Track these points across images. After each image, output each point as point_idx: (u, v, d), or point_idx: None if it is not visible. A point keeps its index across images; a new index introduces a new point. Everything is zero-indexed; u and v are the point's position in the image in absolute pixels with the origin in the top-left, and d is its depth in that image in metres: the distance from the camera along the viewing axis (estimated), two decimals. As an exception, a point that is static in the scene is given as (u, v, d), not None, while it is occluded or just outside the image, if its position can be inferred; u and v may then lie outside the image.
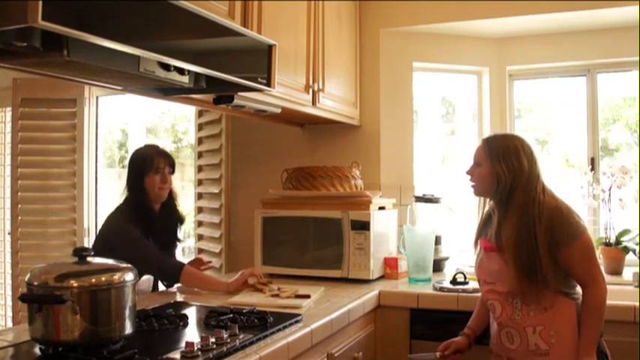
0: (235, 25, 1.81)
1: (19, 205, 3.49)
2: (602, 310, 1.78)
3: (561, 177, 3.31)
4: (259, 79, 1.89)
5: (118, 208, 2.43)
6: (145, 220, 2.38)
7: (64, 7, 1.14)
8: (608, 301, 2.18)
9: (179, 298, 2.24)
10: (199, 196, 3.35)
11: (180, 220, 2.59)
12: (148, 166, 2.40)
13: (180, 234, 2.65)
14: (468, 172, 1.97)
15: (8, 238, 3.73)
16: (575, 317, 1.79)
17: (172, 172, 2.48)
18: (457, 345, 1.98)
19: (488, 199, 2.00)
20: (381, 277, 2.62)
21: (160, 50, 1.43)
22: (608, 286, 2.53)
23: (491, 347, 1.96)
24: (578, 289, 1.84)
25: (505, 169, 1.84)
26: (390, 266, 2.64)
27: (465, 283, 2.38)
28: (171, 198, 2.51)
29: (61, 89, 3.45)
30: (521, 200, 1.82)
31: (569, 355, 1.77)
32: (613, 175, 2.80)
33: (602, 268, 2.72)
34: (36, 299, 1.37)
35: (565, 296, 1.81)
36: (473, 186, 1.96)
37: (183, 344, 1.41)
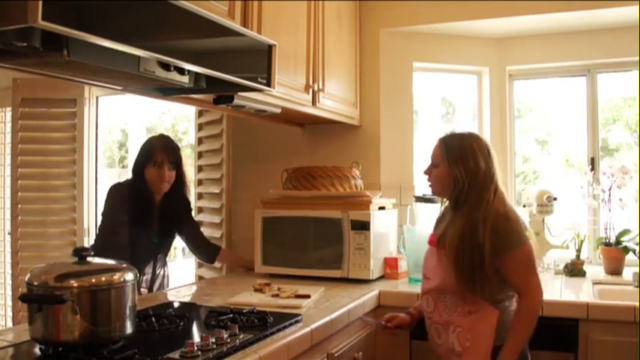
0: (235, 25, 1.81)
1: (19, 205, 3.49)
2: (532, 319, 1.74)
3: (561, 177, 3.31)
4: (259, 79, 1.89)
5: (116, 191, 2.49)
6: (141, 205, 2.44)
7: (64, 7, 1.14)
8: (608, 301, 2.20)
9: (179, 298, 2.24)
10: (199, 196, 3.35)
11: (178, 213, 2.59)
12: (148, 158, 2.46)
13: (180, 226, 2.65)
14: (425, 172, 1.97)
15: (8, 238, 3.73)
16: (494, 327, 1.75)
17: (175, 167, 2.50)
18: (400, 320, 2.00)
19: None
20: (381, 277, 2.62)
21: (160, 50, 1.43)
22: (609, 286, 2.55)
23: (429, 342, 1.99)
24: (507, 302, 1.81)
25: (462, 172, 1.82)
26: (390, 266, 2.64)
27: (465, 283, 2.38)
28: (174, 190, 2.53)
29: (61, 89, 3.45)
30: (473, 202, 1.80)
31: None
32: (613, 175, 2.80)
33: (602, 268, 2.75)
34: (36, 299, 1.37)
35: (493, 304, 1.77)
36: (430, 186, 1.96)
37: (183, 344, 1.41)
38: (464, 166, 1.81)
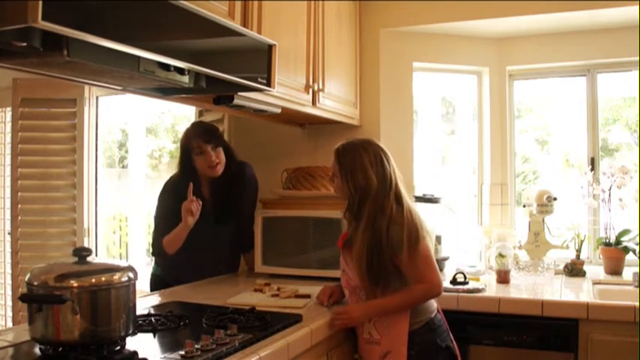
0: (235, 25, 1.81)
1: (19, 205, 3.49)
2: (415, 300, 1.89)
3: (561, 177, 3.31)
4: (259, 79, 1.88)
5: (165, 191, 2.54)
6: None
7: (64, 7, 1.14)
8: (608, 301, 2.19)
9: (179, 298, 2.24)
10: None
11: (235, 195, 2.59)
12: (188, 150, 2.48)
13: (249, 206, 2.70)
14: (330, 179, 2.07)
15: (8, 238, 3.73)
16: (408, 312, 1.89)
17: (218, 146, 2.49)
18: (337, 297, 2.09)
19: None
20: (381, 277, 2.62)
21: (160, 50, 1.43)
22: (609, 286, 2.55)
23: None
24: None
25: (352, 188, 1.93)
26: (390, 266, 2.63)
27: (465, 283, 2.38)
28: (228, 171, 2.54)
29: (61, 89, 3.45)
30: (371, 213, 1.89)
31: (397, 345, 1.88)
32: (613, 175, 2.80)
33: (602, 268, 2.75)
34: (36, 299, 1.37)
35: None
36: (335, 192, 2.08)
37: (182, 344, 1.41)
38: (354, 183, 1.92)
